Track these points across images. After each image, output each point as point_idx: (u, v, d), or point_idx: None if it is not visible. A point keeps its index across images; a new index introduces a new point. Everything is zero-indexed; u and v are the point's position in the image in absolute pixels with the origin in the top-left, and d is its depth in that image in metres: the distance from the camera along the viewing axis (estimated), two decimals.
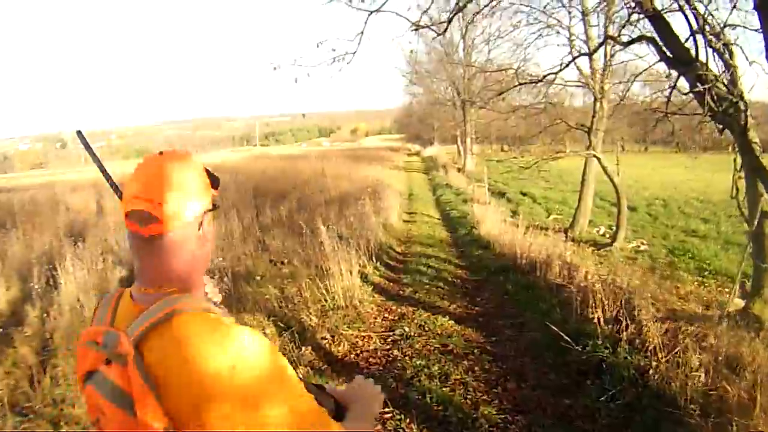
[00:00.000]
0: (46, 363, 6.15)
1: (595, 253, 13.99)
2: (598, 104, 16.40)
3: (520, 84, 14.80)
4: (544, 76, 15.30)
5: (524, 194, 27.29)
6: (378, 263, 10.99)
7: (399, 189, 26.96)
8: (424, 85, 49.89)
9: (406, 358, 6.32)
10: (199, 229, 1.36)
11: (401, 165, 46.16)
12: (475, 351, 6.42)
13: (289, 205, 18.17)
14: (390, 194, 21.51)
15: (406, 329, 7.24)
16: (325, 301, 8.19)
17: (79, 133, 1.63)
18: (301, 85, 11.82)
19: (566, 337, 5.76)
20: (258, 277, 9.53)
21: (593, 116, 16.48)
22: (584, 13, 15.62)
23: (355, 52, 10.54)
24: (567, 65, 14.34)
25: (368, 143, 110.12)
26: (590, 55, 14.85)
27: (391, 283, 10.05)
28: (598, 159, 16.07)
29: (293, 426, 1.20)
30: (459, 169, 38.68)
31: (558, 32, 16.47)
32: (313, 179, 24.66)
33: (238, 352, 1.19)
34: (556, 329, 5.97)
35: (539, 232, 14.34)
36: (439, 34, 12.76)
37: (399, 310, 8.24)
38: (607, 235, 17.50)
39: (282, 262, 10.86)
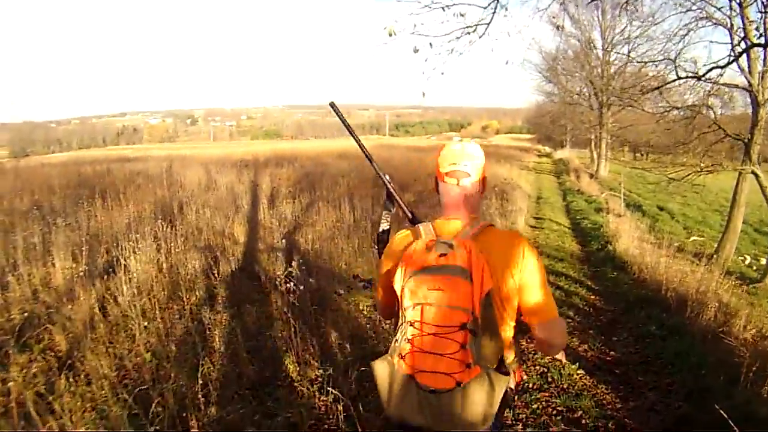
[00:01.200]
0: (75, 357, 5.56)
1: (744, 289, 11.97)
2: (760, 111, 14.03)
3: (679, 78, 13.10)
4: (706, 72, 13.53)
5: (661, 209, 25.24)
6: None
7: (527, 191, 25.56)
8: (558, 84, 48.14)
9: (520, 424, 5.00)
10: (481, 184, 2.46)
11: (531, 166, 44.54)
12: (610, 424, 4.99)
13: (408, 197, 17.08)
14: (518, 196, 20.28)
15: (524, 377, 5.67)
16: None
17: (332, 104, 3.03)
18: (432, 76, 10.61)
19: (733, 425, 4.02)
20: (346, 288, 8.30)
21: (753, 125, 14.16)
22: (742, 4, 13.62)
23: (489, 24, 9.35)
24: (737, 57, 12.62)
25: (498, 141, 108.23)
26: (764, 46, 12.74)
27: None
28: (757, 176, 14.00)
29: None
30: (591, 176, 36.71)
31: (715, 23, 14.50)
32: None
33: (525, 241, 2.34)
34: (719, 409, 4.35)
35: (679, 255, 12.70)
36: (591, 1, 11.34)
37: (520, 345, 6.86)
38: (754, 267, 15.40)
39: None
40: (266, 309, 7.39)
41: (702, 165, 15.19)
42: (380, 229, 2.79)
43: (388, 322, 5.78)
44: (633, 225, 16.42)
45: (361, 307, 7.70)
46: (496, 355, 2.26)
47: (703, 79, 13.72)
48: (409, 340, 2.16)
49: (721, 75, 14.01)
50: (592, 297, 9.68)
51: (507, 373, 2.26)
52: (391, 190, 2.75)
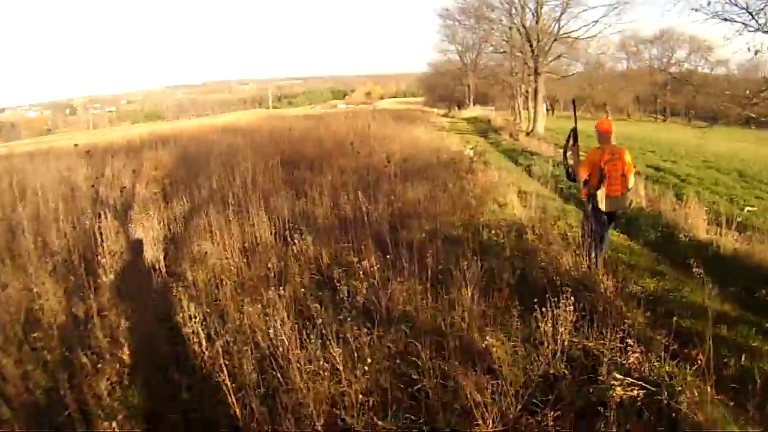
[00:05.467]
0: None
1: None
2: None
3: None
4: None
5: (658, 170, 20.67)
6: None
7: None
8: (463, 40, 49.95)
9: None
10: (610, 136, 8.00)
11: (447, 127, 38.99)
12: None
13: (336, 179, 12.11)
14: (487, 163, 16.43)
15: None
16: None
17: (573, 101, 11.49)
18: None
19: None
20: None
21: None
22: None
23: None
24: None
25: (384, 105, 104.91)
26: None
27: None
28: None
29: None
30: (527, 134, 32.79)
31: None
32: (357, 141, 18.02)
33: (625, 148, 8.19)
34: None
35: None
36: None
37: None
38: None
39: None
40: None
41: None
42: (570, 162, 8.15)
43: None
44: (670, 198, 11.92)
45: None
46: (627, 183, 7.74)
47: None
48: (607, 182, 7.47)
49: None
50: None
51: (629, 189, 7.86)
52: (576, 138, 8.00)
